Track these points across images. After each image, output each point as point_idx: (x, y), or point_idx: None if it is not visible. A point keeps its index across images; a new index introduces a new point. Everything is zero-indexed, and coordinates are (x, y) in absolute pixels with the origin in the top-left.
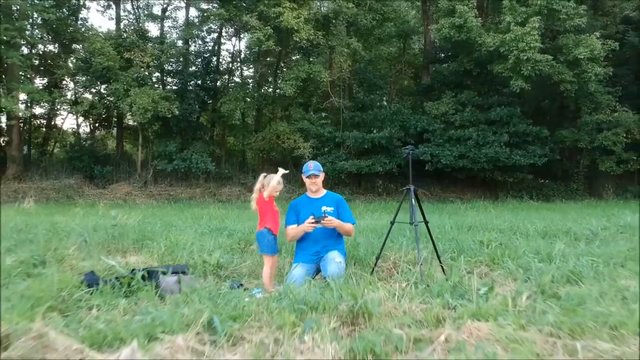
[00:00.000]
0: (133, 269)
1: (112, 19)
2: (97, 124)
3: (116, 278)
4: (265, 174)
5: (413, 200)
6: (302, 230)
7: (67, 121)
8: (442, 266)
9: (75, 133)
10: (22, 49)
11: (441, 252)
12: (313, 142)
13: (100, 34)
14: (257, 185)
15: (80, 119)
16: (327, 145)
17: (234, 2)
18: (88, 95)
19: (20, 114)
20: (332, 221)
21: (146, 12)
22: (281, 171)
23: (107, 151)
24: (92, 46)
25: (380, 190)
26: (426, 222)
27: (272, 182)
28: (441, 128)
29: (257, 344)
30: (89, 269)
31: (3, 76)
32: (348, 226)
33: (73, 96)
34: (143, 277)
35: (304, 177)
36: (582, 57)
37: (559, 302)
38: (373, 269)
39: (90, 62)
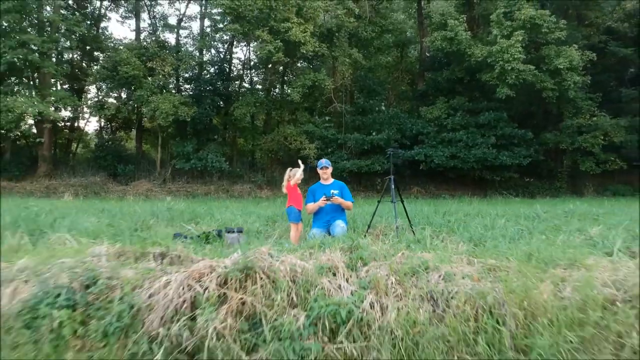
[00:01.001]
0: (203, 231)
1: (133, 30)
2: (117, 126)
3: (197, 236)
4: (290, 168)
5: (392, 186)
6: (318, 206)
7: (85, 122)
8: (412, 230)
9: (99, 134)
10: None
11: (415, 224)
12: (318, 143)
13: (124, 45)
14: (286, 176)
15: (102, 121)
16: (330, 146)
17: (247, 18)
18: (112, 100)
19: (51, 117)
20: (337, 199)
21: (162, 23)
22: (302, 166)
23: (127, 151)
24: (119, 57)
25: (379, 188)
26: (402, 201)
27: (297, 175)
28: (434, 131)
29: (299, 256)
30: (172, 232)
31: (36, 83)
32: (348, 203)
33: (98, 101)
34: (210, 236)
35: (318, 168)
36: (562, 66)
37: (483, 247)
38: (365, 234)
39: (116, 70)
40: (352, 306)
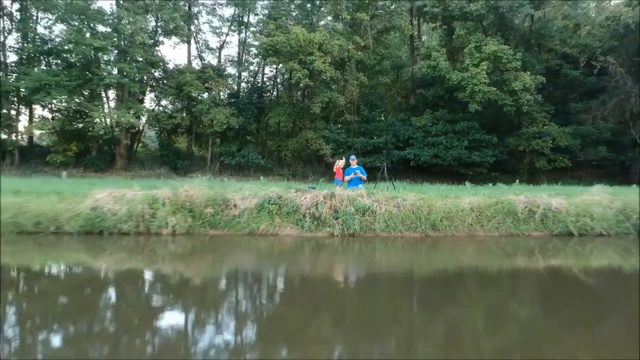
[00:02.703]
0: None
1: (174, 46)
2: (172, 131)
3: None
4: (337, 158)
5: (386, 169)
6: (350, 178)
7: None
8: (394, 187)
9: (159, 137)
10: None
11: (398, 190)
12: (332, 145)
13: (185, 69)
14: (335, 164)
15: (159, 126)
16: (341, 147)
17: (282, 53)
18: (177, 112)
19: (130, 124)
20: (358, 174)
21: (205, 46)
22: (343, 159)
23: (182, 150)
24: (184, 79)
25: (378, 179)
26: (391, 179)
27: (340, 163)
28: (422, 136)
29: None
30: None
31: (123, 98)
32: (363, 177)
33: (164, 112)
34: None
35: (350, 159)
36: (517, 88)
37: (425, 194)
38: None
39: (180, 88)
40: (370, 205)
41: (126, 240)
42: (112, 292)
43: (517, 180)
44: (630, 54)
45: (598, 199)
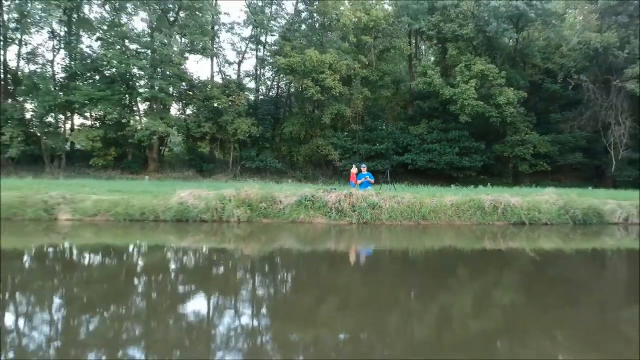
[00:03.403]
0: (331, 188)
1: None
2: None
3: (334, 188)
4: (353, 165)
5: (389, 173)
6: (361, 181)
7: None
8: (395, 189)
9: (186, 142)
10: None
11: (398, 190)
12: (339, 151)
13: (211, 84)
14: (351, 170)
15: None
16: (348, 153)
17: (297, 71)
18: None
19: (164, 132)
20: (367, 178)
21: (225, 61)
22: (355, 168)
23: (206, 154)
24: (212, 93)
25: (381, 182)
26: (393, 181)
27: (354, 169)
28: (418, 143)
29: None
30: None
31: (158, 109)
32: (372, 180)
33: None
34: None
35: (361, 166)
36: (502, 102)
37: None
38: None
39: (207, 100)
40: (377, 202)
41: (205, 226)
42: (199, 258)
43: (504, 182)
44: (601, 72)
45: (546, 198)
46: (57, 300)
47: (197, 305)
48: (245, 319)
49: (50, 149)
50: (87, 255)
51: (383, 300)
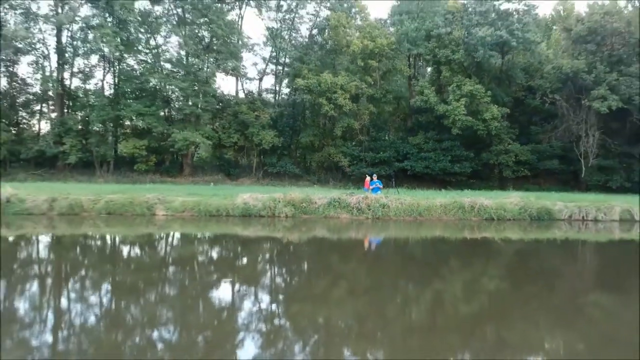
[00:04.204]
0: (350, 192)
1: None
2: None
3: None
4: (367, 174)
5: (394, 181)
6: (373, 187)
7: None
8: (398, 193)
9: (215, 149)
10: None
11: (400, 193)
12: (349, 158)
13: (238, 100)
14: (366, 179)
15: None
16: (355, 160)
17: (314, 91)
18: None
19: (199, 142)
20: (378, 185)
21: (246, 78)
22: (368, 177)
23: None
24: (240, 109)
25: (384, 184)
26: (397, 186)
27: (367, 178)
28: (416, 151)
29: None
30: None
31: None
32: (380, 186)
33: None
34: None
35: (372, 175)
36: (487, 117)
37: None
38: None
39: (236, 115)
40: (386, 202)
41: (263, 220)
42: (257, 243)
43: (491, 186)
44: (573, 92)
45: (511, 200)
46: (178, 264)
47: (267, 265)
48: (296, 278)
49: (100, 156)
50: (190, 238)
51: (391, 269)
